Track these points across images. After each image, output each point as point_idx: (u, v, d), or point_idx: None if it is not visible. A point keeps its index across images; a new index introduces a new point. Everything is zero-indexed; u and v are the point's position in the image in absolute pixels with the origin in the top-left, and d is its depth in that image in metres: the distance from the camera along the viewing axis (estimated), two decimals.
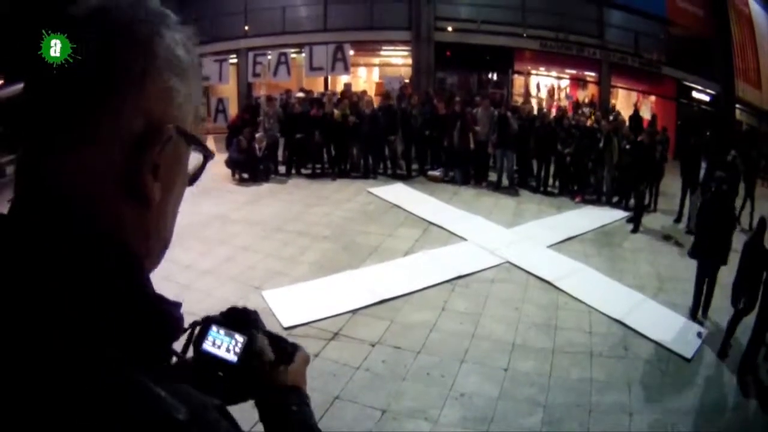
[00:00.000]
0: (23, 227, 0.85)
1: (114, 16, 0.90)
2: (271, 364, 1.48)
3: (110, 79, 0.88)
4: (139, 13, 0.93)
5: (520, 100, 22.32)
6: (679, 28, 25.46)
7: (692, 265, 10.11)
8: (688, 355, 8.45)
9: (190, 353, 1.46)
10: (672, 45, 25.65)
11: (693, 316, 9.81)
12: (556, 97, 27.12)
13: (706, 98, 26.04)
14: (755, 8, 25.95)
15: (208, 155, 1.08)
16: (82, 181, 0.87)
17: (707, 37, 25.47)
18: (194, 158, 1.05)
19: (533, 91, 27.37)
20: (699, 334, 9.04)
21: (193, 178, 1.07)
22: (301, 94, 19.46)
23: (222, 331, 1.45)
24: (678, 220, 14.47)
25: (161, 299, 0.93)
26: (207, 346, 1.44)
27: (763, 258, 8.39)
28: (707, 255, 9.79)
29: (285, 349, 1.55)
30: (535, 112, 18.03)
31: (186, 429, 0.78)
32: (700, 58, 25.44)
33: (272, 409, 1.45)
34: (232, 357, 1.43)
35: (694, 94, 26.08)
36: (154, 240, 0.98)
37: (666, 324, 9.33)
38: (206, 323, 1.46)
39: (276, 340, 1.54)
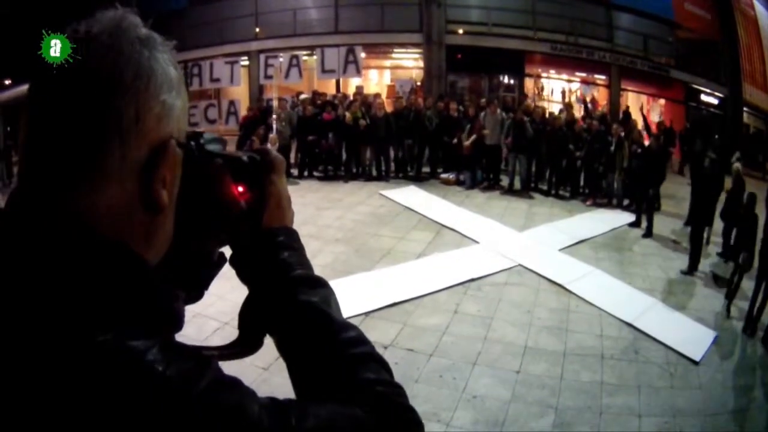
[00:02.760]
0: (51, 242, 0.91)
1: (96, 62, 0.96)
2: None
3: (107, 129, 0.95)
4: (125, 47, 0.98)
5: (532, 103, 22.22)
6: (686, 31, 25.34)
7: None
8: (697, 357, 8.47)
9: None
10: (680, 48, 25.54)
11: (691, 272, 11.57)
12: (566, 99, 27.09)
13: (715, 101, 25.92)
14: (760, 11, 25.84)
15: None
16: (103, 212, 0.95)
17: (714, 39, 25.37)
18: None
19: (547, 94, 27.45)
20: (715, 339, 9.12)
21: None
22: (304, 96, 19.46)
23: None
24: (688, 223, 14.36)
25: (161, 294, 1.00)
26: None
27: (753, 222, 10.22)
28: (698, 220, 11.98)
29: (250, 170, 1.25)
30: (547, 115, 17.88)
31: (166, 381, 0.85)
32: (708, 62, 25.32)
33: (258, 265, 1.21)
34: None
35: (703, 97, 25.93)
36: (162, 238, 1.07)
37: (675, 327, 9.36)
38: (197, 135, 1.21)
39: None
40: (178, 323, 1.03)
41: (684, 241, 13.10)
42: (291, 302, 1.16)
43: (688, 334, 9.18)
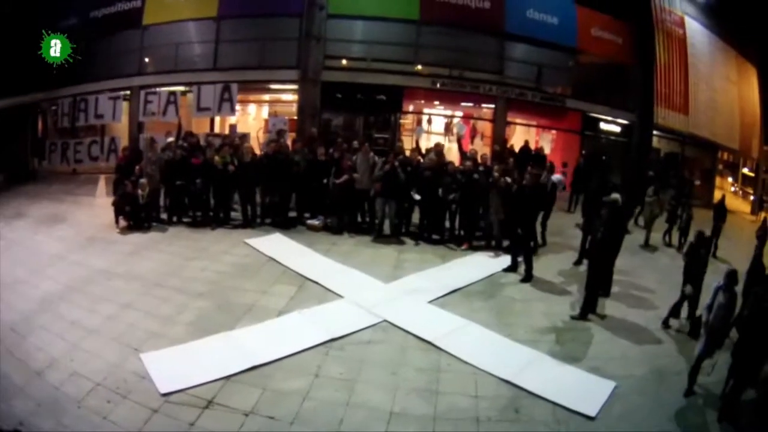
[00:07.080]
0: None
1: None
2: None
3: None
4: None
5: (406, 142, 21.52)
6: (590, 57, 25.47)
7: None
8: (593, 412, 8.17)
9: None
10: (579, 76, 25.85)
11: (584, 316, 11.22)
12: (448, 134, 26.95)
13: (617, 129, 26.18)
14: (694, 28, 26.26)
15: None
16: None
17: (624, 63, 25.62)
18: None
19: (424, 128, 27.53)
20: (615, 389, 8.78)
21: None
22: (171, 139, 18.80)
23: None
24: (579, 262, 13.89)
25: None
26: None
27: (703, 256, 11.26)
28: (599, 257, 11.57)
29: None
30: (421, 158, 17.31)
31: None
32: (612, 88, 25.61)
33: None
34: None
35: (603, 125, 26.20)
36: None
37: (564, 381, 9.00)
38: None
39: None
40: None
41: (572, 282, 12.65)
42: None
43: (581, 387, 8.86)
